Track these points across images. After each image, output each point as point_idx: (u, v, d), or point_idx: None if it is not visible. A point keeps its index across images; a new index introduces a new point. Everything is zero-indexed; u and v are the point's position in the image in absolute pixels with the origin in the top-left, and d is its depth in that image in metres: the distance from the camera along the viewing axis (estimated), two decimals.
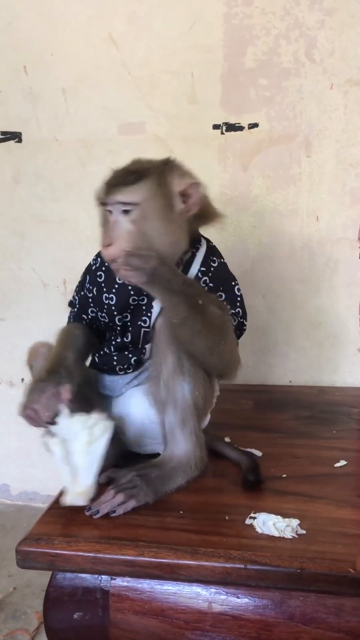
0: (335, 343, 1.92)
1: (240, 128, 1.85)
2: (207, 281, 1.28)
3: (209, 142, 1.88)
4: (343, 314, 1.90)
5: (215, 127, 1.87)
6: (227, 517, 1.10)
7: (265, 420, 1.62)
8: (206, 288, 1.27)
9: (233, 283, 1.32)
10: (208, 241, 1.36)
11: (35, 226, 2.04)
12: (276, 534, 1.04)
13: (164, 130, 1.90)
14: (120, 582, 1.07)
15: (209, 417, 1.35)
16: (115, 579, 1.07)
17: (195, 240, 1.31)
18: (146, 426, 1.32)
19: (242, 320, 1.33)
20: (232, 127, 1.86)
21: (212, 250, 1.34)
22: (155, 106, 1.89)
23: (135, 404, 1.33)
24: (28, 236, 2.06)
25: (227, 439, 1.46)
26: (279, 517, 1.08)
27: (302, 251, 1.89)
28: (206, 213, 1.30)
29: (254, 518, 1.08)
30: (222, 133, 1.87)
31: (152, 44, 1.86)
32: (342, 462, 1.32)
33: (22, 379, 2.16)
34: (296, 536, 1.03)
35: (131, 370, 1.36)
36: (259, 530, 1.05)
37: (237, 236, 1.91)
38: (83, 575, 1.08)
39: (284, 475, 1.27)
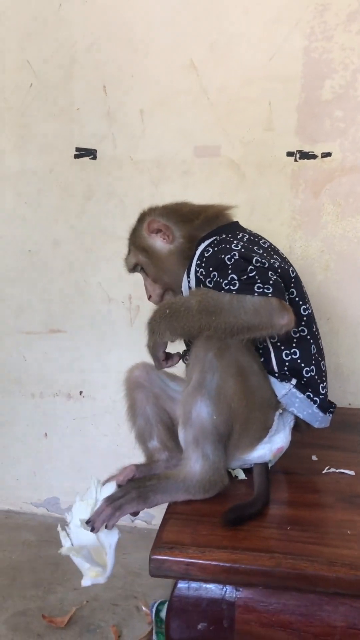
0: None
1: (314, 156, 1.92)
2: (202, 272, 1.33)
3: (282, 168, 1.94)
4: None
5: (289, 154, 1.93)
6: (349, 532, 1.14)
7: (340, 440, 1.65)
8: (202, 278, 1.32)
9: (223, 256, 1.29)
10: (221, 234, 1.39)
11: (104, 241, 2.08)
12: None
13: (238, 154, 1.96)
14: (247, 594, 1.09)
15: (266, 451, 1.34)
16: (240, 590, 1.09)
17: (200, 241, 1.41)
18: None
19: (243, 278, 1.24)
20: (305, 155, 1.92)
21: (211, 243, 1.36)
22: (231, 131, 1.95)
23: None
24: (96, 251, 2.09)
25: (314, 457, 1.50)
26: None
27: None
28: (192, 222, 1.45)
29: None
30: (295, 160, 1.93)
31: (231, 72, 1.92)
32: None
33: (80, 392, 2.17)
34: None
35: None
36: None
37: (304, 259, 1.96)
38: (208, 585, 1.10)
39: None
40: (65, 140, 2.04)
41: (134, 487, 1.25)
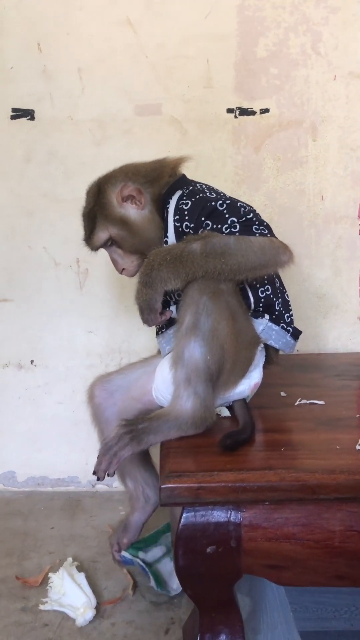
0: (337, 313, 2.10)
1: (253, 113, 1.98)
2: (187, 225, 1.34)
3: (223, 125, 1.99)
4: (345, 286, 2.08)
5: (229, 111, 1.98)
6: (337, 447, 1.22)
7: (301, 379, 1.74)
8: (190, 231, 1.32)
9: (213, 203, 1.32)
10: (185, 188, 1.40)
11: (46, 205, 2.03)
12: None
13: (179, 112, 1.98)
14: (250, 513, 1.14)
15: (245, 387, 1.40)
16: (244, 511, 1.14)
17: (165, 198, 1.42)
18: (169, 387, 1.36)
19: (243, 220, 1.31)
20: (245, 112, 1.98)
21: (182, 197, 1.38)
22: (171, 89, 1.97)
23: (164, 365, 1.41)
24: (38, 215, 2.04)
25: (282, 393, 1.58)
26: None
27: (309, 228, 2.05)
28: (159, 181, 1.44)
29: None
30: (235, 117, 1.98)
31: (168, 30, 1.94)
32: None
33: (32, 361, 2.12)
34: None
35: (163, 329, 1.47)
36: None
37: None
38: (214, 510, 1.14)
39: (358, 415, 1.40)
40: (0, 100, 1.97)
41: (126, 432, 1.26)
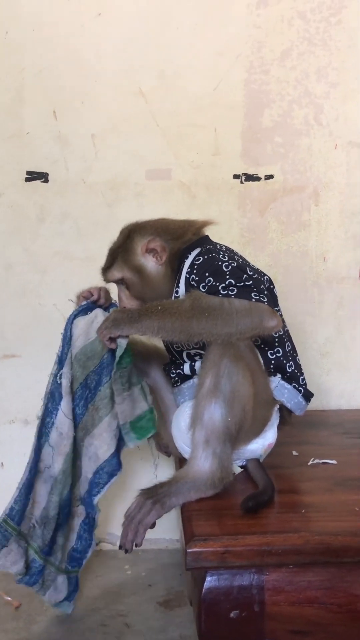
0: (341, 370, 2.15)
1: (258, 179, 2.08)
2: (194, 278, 1.41)
3: (229, 189, 2.07)
4: (348, 344, 2.14)
5: (236, 176, 2.07)
6: (357, 509, 1.24)
7: (311, 436, 1.77)
8: (194, 284, 1.40)
9: (219, 263, 1.40)
10: (204, 247, 1.51)
11: (59, 263, 2.08)
12: None
13: (188, 177, 2.07)
14: (274, 577, 1.15)
15: (259, 446, 1.44)
16: (267, 574, 1.15)
17: (185, 252, 1.51)
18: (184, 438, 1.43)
19: (240, 284, 1.35)
20: (250, 178, 2.07)
21: (199, 254, 1.48)
22: (181, 155, 2.06)
23: (180, 418, 1.45)
24: (50, 272, 2.09)
25: (294, 452, 1.60)
26: None
27: (312, 288, 2.12)
28: (185, 232, 1.55)
29: None
30: (241, 182, 2.08)
31: (179, 100, 2.04)
32: None
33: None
34: None
35: (178, 384, 1.51)
36: None
37: None
38: (237, 574, 1.15)
39: None
40: (15, 164, 2.04)
41: (147, 498, 1.28)
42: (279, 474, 1.45)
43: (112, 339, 1.40)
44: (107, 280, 1.60)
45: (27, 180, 2.05)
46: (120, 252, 1.54)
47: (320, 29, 2.03)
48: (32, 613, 1.75)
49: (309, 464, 1.52)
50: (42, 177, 2.05)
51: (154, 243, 1.51)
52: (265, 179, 2.08)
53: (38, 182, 2.05)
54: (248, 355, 1.36)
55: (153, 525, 1.30)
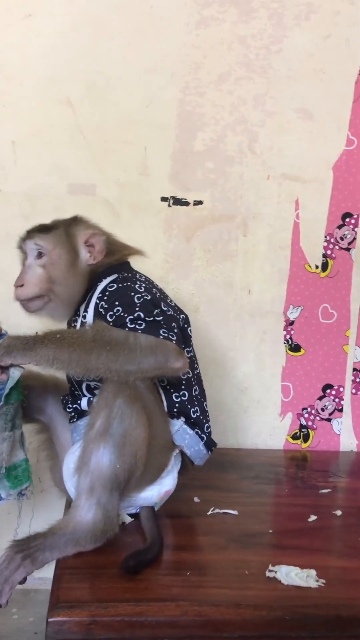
0: (259, 407, 2.07)
1: (186, 203, 1.99)
2: (103, 305, 1.32)
3: (156, 212, 1.98)
4: (268, 381, 2.06)
5: (163, 199, 1.98)
6: (246, 572, 1.14)
7: (217, 480, 1.66)
8: (102, 311, 1.31)
9: (132, 293, 1.32)
10: (122, 273, 1.42)
11: None
12: (302, 584, 1.10)
13: (113, 195, 1.96)
14: None
15: (154, 493, 1.33)
16: None
17: (100, 275, 1.42)
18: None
19: (149, 319, 1.27)
20: (178, 202, 1.98)
21: (115, 280, 1.39)
22: (107, 172, 1.95)
23: (70, 459, 1.33)
24: None
25: (196, 499, 1.50)
26: (297, 568, 1.14)
27: (235, 321, 2.04)
28: (113, 252, 1.47)
29: (275, 571, 1.13)
30: (169, 206, 1.98)
31: (108, 113, 1.93)
32: (314, 517, 1.43)
33: None
34: (321, 585, 1.10)
35: (74, 419, 1.39)
36: (284, 582, 1.10)
37: (177, 301, 1.96)
38: None
39: (270, 531, 1.34)
40: None
41: (17, 552, 1.14)
42: (173, 525, 1.35)
43: (3, 369, 1.25)
44: (26, 244, 1.43)
45: None
46: (62, 227, 1.44)
47: (260, 56, 1.97)
48: None
49: (208, 513, 1.41)
50: None
51: (97, 239, 1.43)
52: (194, 204, 1.99)
53: None
54: (147, 396, 1.26)
55: (23, 581, 1.16)
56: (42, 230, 1.43)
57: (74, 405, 1.41)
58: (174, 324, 1.31)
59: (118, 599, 1.02)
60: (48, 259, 1.40)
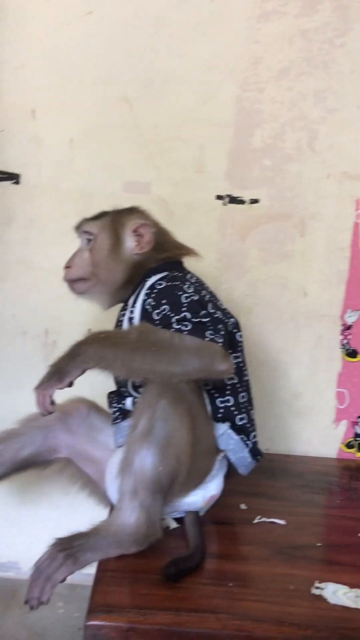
0: (312, 414, 2.00)
1: (242, 202, 1.94)
2: (150, 302, 1.29)
3: (210, 210, 1.94)
4: (322, 387, 1.99)
5: (219, 197, 1.94)
6: (291, 587, 1.09)
7: (265, 487, 1.62)
8: (149, 308, 1.28)
9: (180, 293, 1.28)
10: (172, 272, 1.39)
11: (21, 271, 1.96)
12: (350, 605, 1.04)
13: (168, 193, 1.94)
14: None
15: (199, 498, 1.30)
16: None
17: (150, 271, 1.39)
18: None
19: (195, 320, 1.23)
20: (234, 200, 1.94)
21: (164, 277, 1.36)
22: (162, 170, 1.93)
23: (114, 463, 1.30)
24: (10, 281, 1.96)
25: (242, 506, 1.46)
26: (345, 586, 1.09)
27: (289, 323, 1.98)
28: (165, 249, 1.45)
29: (321, 588, 1.08)
30: (224, 204, 1.94)
31: (165, 111, 1.91)
32: None
33: None
34: None
35: (119, 420, 1.37)
36: (330, 601, 1.06)
37: (229, 302, 1.94)
38: None
39: (318, 544, 1.29)
40: None
41: (60, 550, 1.13)
42: (217, 532, 1.32)
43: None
44: (78, 230, 1.50)
45: None
46: (113, 215, 1.48)
47: (323, 51, 1.90)
48: None
49: (254, 522, 1.37)
50: (13, 178, 1.93)
51: (145, 229, 1.43)
52: (250, 202, 1.95)
53: (8, 183, 1.93)
54: (191, 398, 1.23)
55: (63, 580, 1.15)
56: (94, 217, 1.49)
57: (119, 405, 1.39)
58: (220, 326, 1.28)
59: (157, 606, 1.00)
60: (94, 243, 1.44)
